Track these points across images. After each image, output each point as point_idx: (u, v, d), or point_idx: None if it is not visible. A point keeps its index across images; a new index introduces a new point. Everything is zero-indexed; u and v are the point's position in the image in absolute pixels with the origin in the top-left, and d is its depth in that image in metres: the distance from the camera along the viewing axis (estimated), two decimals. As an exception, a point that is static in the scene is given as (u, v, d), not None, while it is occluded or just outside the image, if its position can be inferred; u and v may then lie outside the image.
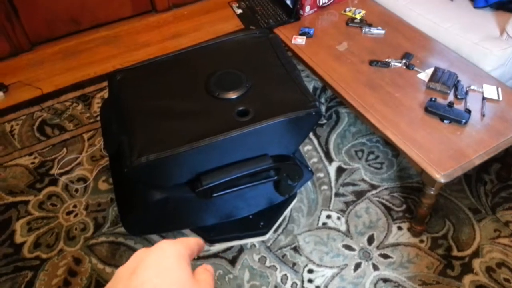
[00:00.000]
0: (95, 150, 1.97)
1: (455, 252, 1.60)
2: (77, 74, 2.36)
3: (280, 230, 1.67)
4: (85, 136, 2.04)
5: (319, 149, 1.96)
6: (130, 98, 1.38)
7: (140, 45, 2.55)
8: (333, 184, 1.82)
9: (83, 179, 1.86)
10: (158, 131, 1.27)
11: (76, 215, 1.74)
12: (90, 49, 2.53)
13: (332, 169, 1.88)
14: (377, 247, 1.62)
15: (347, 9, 2.08)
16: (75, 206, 1.77)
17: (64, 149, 1.98)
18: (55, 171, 1.89)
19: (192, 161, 1.27)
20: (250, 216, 1.61)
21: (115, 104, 1.39)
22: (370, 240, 1.64)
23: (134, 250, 1.62)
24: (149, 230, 1.53)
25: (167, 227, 1.51)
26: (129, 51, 2.50)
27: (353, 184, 1.82)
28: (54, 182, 1.85)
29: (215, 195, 1.32)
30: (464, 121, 1.51)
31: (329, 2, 2.09)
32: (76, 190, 1.82)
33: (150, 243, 1.63)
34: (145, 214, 1.37)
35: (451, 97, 1.62)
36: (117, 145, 1.29)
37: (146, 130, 1.27)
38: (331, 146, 1.97)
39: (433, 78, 1.67)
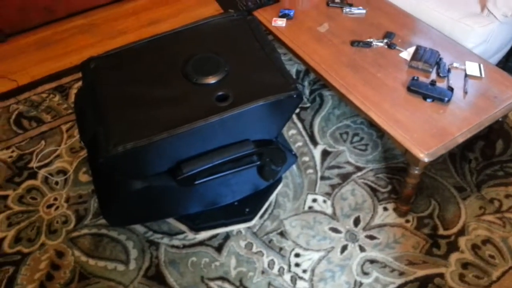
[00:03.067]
0: (74, 141, 1.92)
1: (441, 231, 1.60)
2: (53, 65, 2.29)
3: (266, 216, 1.66)
4: (64, 127, 1.99)
5: (303, 132, 1.94)
6: (105, 86, 1.33)
7: (117, 32, 2.48)
8: (318, 167, 1.81)
9: (63, 172, 1.82)
10: (134, 119, 1.23)
11: (57, 208, 1.70)
12: (66, 39, 2.46)
13: (317, 152, 1.86)
14: (363, 229, 1.61)
15: (328, -11, 2.04)
16: (55, 199, 1.73)
17: (43, 142, 1.93)
18: (34, 164, 1.85)
19: (171, 148, 1.24)
20: (235, 203, 1.59)
21: (89, 93, 1.34)
22: (356, 222, 1.64)
23: (117, 241, 1.59)
24: (132, 221, 1.51)
25: (150, 216, 1.49)
26: (106, 39, 2.43)
27: (339, 167, 1.81)
28: (33, 175, 1.81)
29: (197, 182, 1.30)
30: (446, 99, 1.50)
31: (309, -17, 2.05)
32: (56, 183, 1.78)
33: (134, 234, 1.61)
34: (126, 204, 1.34)
35: (433, 76, 1.61)
36: (93, 135, 1.25)
37: (122, 118, 1.23)
38: (316, 130, 1.95)
39: (415, 56, 1.65)
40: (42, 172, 1.81)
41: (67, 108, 2.08)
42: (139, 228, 1.62)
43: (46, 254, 1.57)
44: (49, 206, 1.71)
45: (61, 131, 1.97)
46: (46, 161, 1.86)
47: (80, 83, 2.17)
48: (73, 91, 2.15)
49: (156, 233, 1.61)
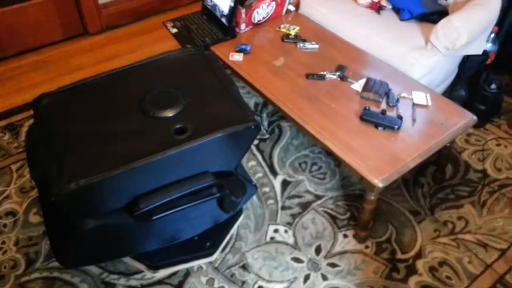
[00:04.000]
0: (24, 181, 1.84)
1: (399, 255, 1.64)
2: (3, 103, 2.21)
3: (227, 249, 1.63)
4: (13, 167, 1.90)
5: (263, 163, 1.96)
6: (57, 122, 1.30)
7: (73, 69, 2.45)
8: (279, 197, 1.82)
9: (12, 213, 1.72)
10: (88, 155, 1.20)
11: (5, 252, 1.60)
12: (18, 76, 2.39)
13: (277, 182, 1.88)
14: (325, 257, 1.62)
15: (282, 26, 2.12)
16: (3, 243, 1.63)
17: (-9, 182, 1.84)
18: (-20, 206, 1.74)
19: (128, 184, 1.21)
20: (195, 237, 1.56)
21: (41, 130, 1.30)
22: (318, 250, 1.64)
23: (71, 284, 1.51)
24: (86, 261, 1.43)
25: (106, 256, 1.42)
26: (61, 76, 2.39)
27: (299, 196, 1.82)
28: (-21, 218, 1.70)
29: (154, 218, 1.26)
30: (396, 127, 1.57)
31: (264, 20, 2.13)
32: (5, 225, 1.68)
33: (89, 275, 1.53)
34: (79, 244, 1.28)
35: (383, 105, 1.68)
36: (44, 173, 1.20)
37: (75, 155, 1.20)
38: (275, 160, 1.97)
39: (366, 88, 1.72)
40: (-11, 214, 1.71)
41: (18, 146, 2.00)
42: (94, 269, 1.54)
43: (-8, 302, 1.47)
44: (-3, 251, 1.61)
45: (11, 171, 1.88)
46: (-6, 202, 1.76)
47: (31, 121, 2.10)
48: (24, 129, 2.08)
49: (112, 274, 1.54)
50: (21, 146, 1.99)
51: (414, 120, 1.63)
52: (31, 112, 2.11)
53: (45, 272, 1.54)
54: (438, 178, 1.90)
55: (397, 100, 1.70)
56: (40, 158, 1.29)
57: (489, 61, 2.22)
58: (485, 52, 2.11)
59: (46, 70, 2.45)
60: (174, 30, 2.11)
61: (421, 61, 1.86)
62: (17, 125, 2.10)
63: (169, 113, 1.32)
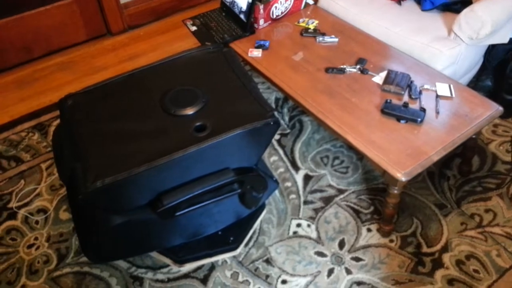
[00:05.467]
0: (54, 179, 1.90)
1: (424, 249, 1.62)
2: (32, 103, 2.29)
3: (251, 243, 1.65)
4: (43, 166, 1.97)
5: (285, 158, 1.96)
6: (82, 123, 1.34)
7: (97, 69, 2.51)
8: (301, 192, 1.82)
9: (43, 210, 1.79)
10: (113, 154, 1.23)
11: (37, 247, 1.67)
12: (45, 77, 2.47)
13: (299, 177, 1.88)
14: (349, 251, 1.62)
15: (301, 20, 2.11)
16: (36, 239, 1.69)
17: (22, 181, 1.91)
18: (13, 204, 1.81)
19: (151, 181, 1.24)
20: (219, 232, 1.58)
21: (67, 130, 1.35)
22: (341, 244, 1.64)
23: (100, 278, 1.56)
24: (114, 256, 1.48)
25: (132, 251, 1.47)
26: (85, 76, 2.45)
27: (321, 191, 1.82)
28: (13, 215, 1.77)
29: (178, 214, 1.29)
30: (419, 119, 1.54)
31: (282, 15, 2.12)
32: (37, 222, 1.75)
33: (117, 270, 1.58)
34: (106, 240, 1.32)
35: (405, 98, 1.66)
36: (71, 172, 1.25)
37: (100, 154, 1.24)
38: (297, 155, 1.97)
39: (387, 80, 1.70)
40: (22, 212, 1.78)
41: (46, 146, 2.06)
42: (122, 263, 1.59)
43: (26, 296, 1.53)
44: (30, 246, 1.67)
45: (41, 170, 1.95)
46: (26, 200, 1.83)
47: (59, 120, 2.17)
48: (52, 129, 2.15)
49: (140, 268, 1.58)
50: (50, 146, 2.06)
51: (437, 112, 1.60)
52: (58, 112, 2.18)
53: (76, 267, 1.60)
54: (465, 170, 1.86)
55: (420, 92, 1.67)
56: (66, 158, 1.33)
57: (516, 49, 2.15)
58: (511, 41, 2.05)
59: (71, 70, 2.51)
60: (194, 28, 2.13)
61: (444, 51, 1.82)
62: (45, 124, 2.17)
63: (189, 111, 1.34)
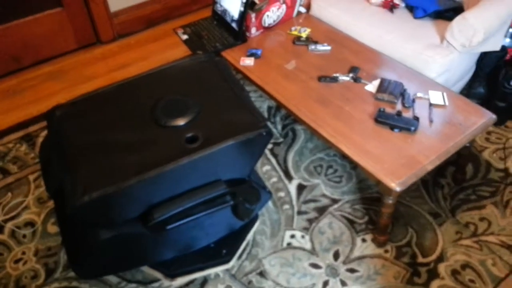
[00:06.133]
0: (41, 191, 1.86)
1: (420, 259, 1.60)
2: (19, 114, 2.25)
3: (244, 256, 1.62)
4: (31, 177, 1.92)
5: (277, 168, 1.94)
6: (71, 134, 1.31)
7: (86, 78, 2.47)
8: (294, 202, 1.80)
9: (31, 224, 1.75)
10: (102, 167, 1.20)
11: (25, 262, 1.62)
12: (34, 87, 2.43)
13: (292, 187, 1.86)
14: (343, 262, 1.59)
15: (293, 28, 2.10)
16: (23, 253, 1.65)
17: (9, 193, 1.86)
18: (0, 217, 1.77)
19: (141, 194, 1.21)
20: (211, 245, 1.55)
21: (55, 142, 1.31)
22: (336, 255, 1.61)
23: (89, 294, 1.52)
24: (103, 271, 1.44)
25: (122, 266, 1.43)
26: (75, 85, 2.42)
27: (315, 200, 1.80)
28: (-1, 229, 1.73)
29: (169, 227, 1.26)
30: (413, 128, 1.53)
31: (274, 23, 2.11)
32: (24, 236, 1.70)
33: (107, 285, 1.54)
34: (95, 255, 1.29)
35: (399, 106, 1.65)
36: (59, 185, 1.21)
37: (89, 166, 1.20)
38: (290, 164, 1.95)
39: (380, 89, 1.69)
40: (9, 226, 1.74)
41: (34, 157, 2.02)
42: (112, 278, 1.55)
43: (13, 313, 1.48)
44: (17, 261, 1.63)
45: (28, 182, 1.91)
46: (13, 213, 1.78)
47: (46, 131, 2.13)
48: (40, 140, 2.10)
49: (130, 283, 1.54)
50: (38, 157, 2.02)
51: (431, 120, 1.58)
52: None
53: (64, 282, 1.56)
54: (459, 178, 1.85)
55: (413, 101, 1.66)
56: (54, 170, 1.30)
57: (508, 56, 2.16)
58: (504, 48, 2.05)
59: (61, 79, 2.48)
60: (185, 37, 2.11)
61: (437, 59, 1.81)
62: (33, 135, 2.13)
63: (180, 122, 1.32)
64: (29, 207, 1.81)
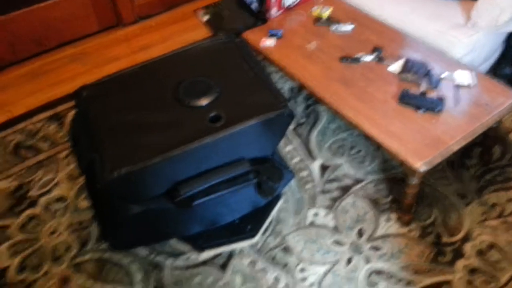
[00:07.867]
0: (71, 168, 1.92)
1: (445, 239, 1.60)
2: (46, 94, 2.30)
3: (268, 232, 1.65)
4: (61, 155, 1.99)
5: (300, 148, 1.95)
6: (98, 114, 1.35)
7: (109, 60, 2.51)
8: (317, 181, 1.81)
9: (62, 199, 1.81)
10: (129, 145, 1.24)
11: (59, 235, 1.69)
12: (58, 68, 2.47)
13: (315, 167, 1.87)
14: (367, 240, 1.61)
15: (314, 8, 2.08)
16: (56, 227, 1.72)
17: (41, 170, 1.93)
18: (33, 193, 1.84)
19: (167, 171, 1.24)
20: (236, 221, 1.59)
21: (83, 121, 1.36)
22: (360, 233, 1.63)
23: (121, 265, 1.58)
24: (133, 244, 1.50)
25: (151, 239, 1.48)
26: (98, 67, 2.46)
27: (338, 180, 1.81)
28: (33, 204, 1.80)
29: (195, 203, 1.30)
30: (438, 108, 1.52)
31: (295, 3, 2.09)
32: (56, 211, 1.77)
33: (137, 256, 1.59)
34: (126, 228, 1.34)
35: (423, 87, 1.63)
36: (89, 163, 1.26)
37: (116, 145, 1.25)
38: (313, 144, 1.96)
39: (404, 69, 1.68)
40: (42, 201, 1.81)
41: (63, 136, 2.08)
42: (142, 250, 1.60)
43: (51, 280, 1.56)
44: (51, 234, 1.70)
45: (58, 159, 1.97)
46: (45, 189, 1.85)
47: (74, 111, 2.18)
48: (68, 119, 2.16)
49: (160, 255, 1.60)
50: (66, 136, 2.08)
51: (456, 101, 1.57)
52: (73, 102, 2.20)
53: (97, 253, 1.62)
54: (485, 159, 1.83)
55: (438, 81, 1.64)
56: (84, 148, 1.34)
57: (537, 35, 2.10)
58: (533, 26, 2.00)
59: (83, 61, 2.52)
60: (206, 18, 2.11)
61: (462, 39, 1.78)
62: (61, 115, 2.19)
63: (203, 102, 1.34)
64: (60, 183, 1.87)
